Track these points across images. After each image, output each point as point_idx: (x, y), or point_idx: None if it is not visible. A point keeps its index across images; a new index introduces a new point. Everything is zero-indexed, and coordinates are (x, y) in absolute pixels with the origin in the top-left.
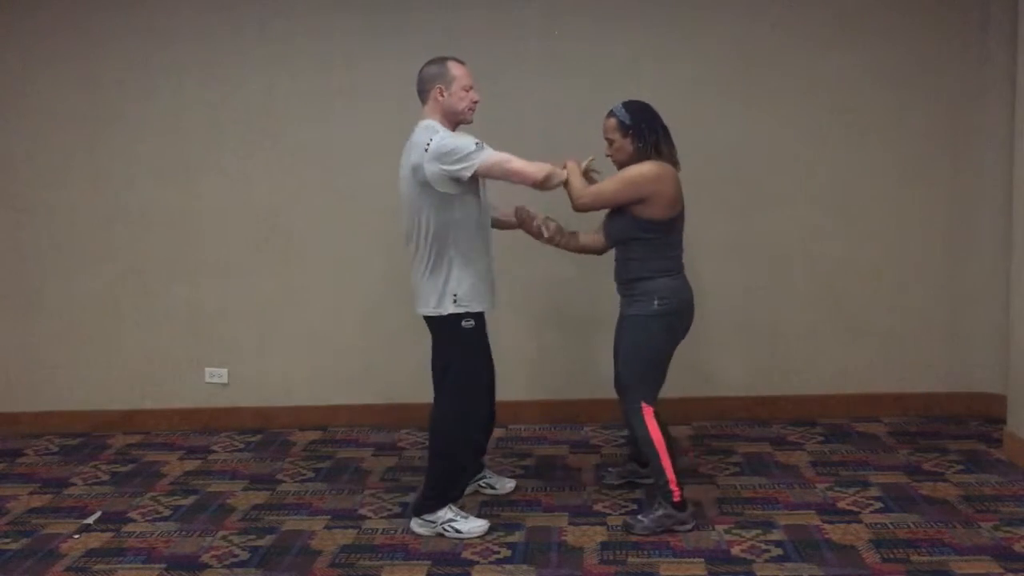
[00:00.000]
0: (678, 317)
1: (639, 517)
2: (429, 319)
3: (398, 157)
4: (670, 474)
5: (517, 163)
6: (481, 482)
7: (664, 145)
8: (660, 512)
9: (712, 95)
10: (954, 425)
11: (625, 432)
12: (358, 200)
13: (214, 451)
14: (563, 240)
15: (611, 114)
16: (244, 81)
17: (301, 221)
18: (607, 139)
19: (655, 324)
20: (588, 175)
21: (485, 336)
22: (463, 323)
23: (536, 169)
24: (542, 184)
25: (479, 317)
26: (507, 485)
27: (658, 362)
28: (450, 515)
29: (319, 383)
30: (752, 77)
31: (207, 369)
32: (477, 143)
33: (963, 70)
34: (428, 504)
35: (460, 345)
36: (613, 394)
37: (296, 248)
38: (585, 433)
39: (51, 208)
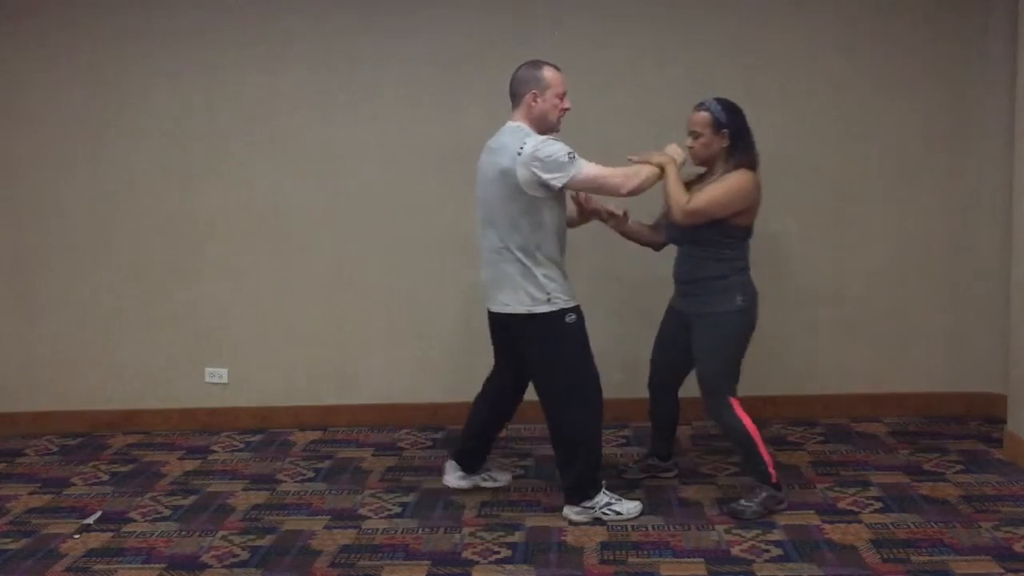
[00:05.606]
0: (754, 312)
1: (742, 503)
2: (521, 318)
3: (398, 157)
4: (767, 458)
5: (610, 178)
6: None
7: (753, 149)
8: (764, 495)
9: (712, 96)
10: (954, 425)
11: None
12: (358, 200)
13: (214, 451)
14: (621, 226)
15: (703, 107)
16: (244, 81)
17: (301, 221)
18: (693, 132)
19: (739, 319)
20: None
21: (585, 328)
22: (566, 319)
23: (624, 180)
24: (629, 195)
25: (578, 311)
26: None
27: (740, 357)
28: (607, 499)
29: (319, 383)
30: (752, 78)
31: (207, 369)
32: (570, 154)
33: (963, 70)
34: (584, 491)
35: (565, 340)
36: (614, 393)
37: (296, 248)
38: None
39: (51, 209)
